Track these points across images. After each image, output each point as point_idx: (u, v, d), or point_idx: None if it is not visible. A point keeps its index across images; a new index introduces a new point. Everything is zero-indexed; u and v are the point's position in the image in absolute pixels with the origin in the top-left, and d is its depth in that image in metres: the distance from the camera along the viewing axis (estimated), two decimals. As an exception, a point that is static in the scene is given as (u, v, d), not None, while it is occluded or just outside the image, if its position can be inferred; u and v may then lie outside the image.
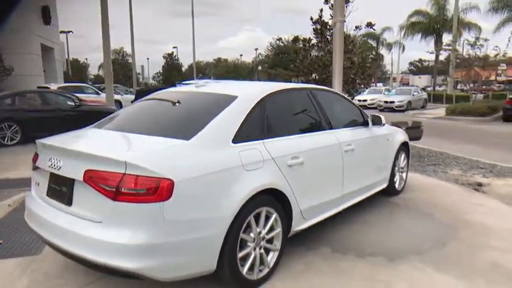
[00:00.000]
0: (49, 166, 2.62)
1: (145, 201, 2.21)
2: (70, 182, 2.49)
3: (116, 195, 2.23)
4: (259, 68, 61.01)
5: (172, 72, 49.90)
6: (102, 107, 11.87)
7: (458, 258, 3.33)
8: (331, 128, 3.75)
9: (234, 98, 3.00)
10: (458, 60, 19.53)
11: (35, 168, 2.94)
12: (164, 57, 52.17)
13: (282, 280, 2.94)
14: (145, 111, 3.41)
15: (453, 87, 28.62)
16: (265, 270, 2.88)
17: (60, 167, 2.53)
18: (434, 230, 3.99)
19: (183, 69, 57.80)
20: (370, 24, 11.39)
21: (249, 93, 3.16)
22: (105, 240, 2.23)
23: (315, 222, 3.43)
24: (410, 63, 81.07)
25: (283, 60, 50.57)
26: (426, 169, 6.83)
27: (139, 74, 53.12)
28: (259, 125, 3.02)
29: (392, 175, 4.88)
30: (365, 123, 4.35)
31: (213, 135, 2.67)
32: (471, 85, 19.50)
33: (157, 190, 2.21)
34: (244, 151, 2.75)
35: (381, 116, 4.48)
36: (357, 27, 10.96)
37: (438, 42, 29.82)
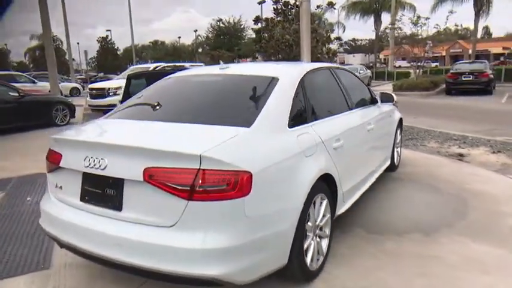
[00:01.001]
0: (86, 166, 2.23)
1: (225, 198, 1.95)
2: (118, 184, 2.14)
3: (191, 194, 1.94)
4: (200, 50, 59.59)
5: (108, 57, 46.94)
6: (50, 96, 10.79)
7: (484, 228, 3.45)
8: (352, 108, 3.66)
9: (275, 79, 2.77)
10: (402, 39, 20.46)
11: (54, 169, 2.50)
12: (98, 41, 48.80)
13: (336, 267, 2.83)
14: (176, 97, 3.05)
15: (388, 64, 30.06)
16: (321, 259, 2.76)
17: (105, 167, 2.15)
18: (448, 201, 4.11)
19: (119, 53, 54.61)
20: (331, 4, 11.45)
21: (289, 73, 2.94)
22: (184, 247, 1.94)
23: (351, 204, 3.36)
24: (345, 43, 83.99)
25: (225, 41, 49.81)
26: (407, 143, 7.08)
27: (73, 60, 49.34)
28: (304, 107, 2.83)
29: (393, 151, 4.95)
30: (375, 101, 4.32)
31: (271, 121, 2.44)
32: (412, 63, 20.61)
33: (237, 185, 1.96)
34: (301, 135, 2.57)
35: (393, 94, 4.48)
36: (318, 7, 10.94)
37: (378, 21, 31.09)
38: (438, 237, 3.28)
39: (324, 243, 2.82)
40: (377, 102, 4.34)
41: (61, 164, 2.42)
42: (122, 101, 4.34)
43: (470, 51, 50.78)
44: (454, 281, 2.65)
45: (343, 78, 3.70)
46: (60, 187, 2.48)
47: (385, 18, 31.77)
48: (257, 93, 2.67)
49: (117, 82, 13.30)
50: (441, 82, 18.67)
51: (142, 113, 2.87)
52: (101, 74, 38.58)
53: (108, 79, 18.87)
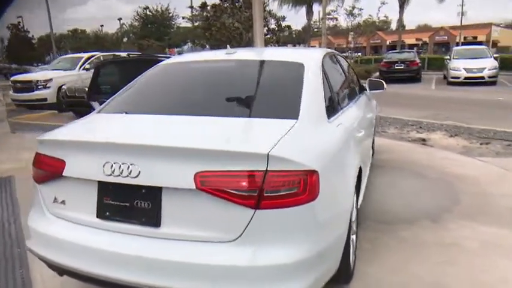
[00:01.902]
0: (107, 174, 1.78)
1: (296, 204, 1.67)
2: (155, 194, 1.74)
3: (259, 201, 1.62)
4: (125, 39, 56.30)
5: (23, 47, 42.27)
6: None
7: (482, 210, 3.55)
8: (356, 95, 3.53)
9: (301, 65, 2.50)
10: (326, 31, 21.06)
11: (51, 179, 2.00)
12: (8, 27, 43.60)
13: (365, 263, 2.69)
14: (197, 87, 2.64)
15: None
16: (353, 256, 2.59)
17: (137, 174, 1.73)
18: (436, 187, 4.19)
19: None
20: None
21: (311, 59, 2.67)
22: (250, 265, 1.63)
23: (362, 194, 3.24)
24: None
25: (153, 30, 47.59)
26: (370, 130, 7.23)
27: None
28: (330, 96, 2.60)
29: (373, 139, 4.96)
30: (363, 88, 4.25)
31: (313, 112, 2.17)
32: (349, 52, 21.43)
33: (306, 187, 1.69)
34: (339, 126, 2.35)
35: (382, 81, 4.43)
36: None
37: (310, 12, 31.78)
38: (445, 224, 3.29)
39: (354, 239, 2.66)
40: (365, 89, 4.27)
41: (65, 173, 1.92)
42: (90, 93, 3.76)
43: (388, 42, 54.60)
44: (480, 267, 2.64)
45: (343, 65, 3.54)
46: (62, 202, 1.98)
47: (318, 8, 32.70)
48: (288, 81, 2.39)
49: (47, 74, 11.95)
50: (373, 71, 19.63)
51: (161, 106, 2.44)
52: (14, 66, 34.60)
53: (27, 72, 16.92)
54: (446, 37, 53.24)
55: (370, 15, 18.98)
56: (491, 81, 14.78)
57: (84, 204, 1.91)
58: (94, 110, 3.88)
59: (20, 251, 2.96)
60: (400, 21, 27.90)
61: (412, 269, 2.63)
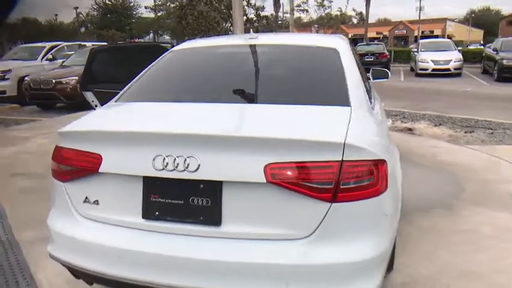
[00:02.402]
0: (159, 169, 1.59)
1: (370, 196, 1.56)
2: (214, 189, 1.58)
3: (335, 193, 1.50)
4: (82, 29, 53.76)
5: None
6: None
7: (488, 196, 3.63)
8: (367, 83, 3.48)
9: (336, 51, 2.39)
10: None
11: (81, 176, 1.77)
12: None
13: (397, 254, 2.65)
14: (233, 74, 2.46)
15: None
16: None
17: (197, 168, 1.55)
18: (435, 175, 4.25)
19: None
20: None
21: (342, 45, 2.56)
22: (325, 263, 1.51)
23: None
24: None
25: (113, 20, 45.76)
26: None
27: None
28: (364, 83, 2.51)
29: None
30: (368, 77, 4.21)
31: (360, 99, 2.06)
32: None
33: (379, 177, 1.58)
34: (378, 114, 2.27)
35: (387, 70, 4.41)
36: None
37: (277, 4, 31.76)
38: (458, 211, 3.33)
39: None
40: (369, 79, 4.24)
41: (101, 169, 1.70)
42: (83, 82, 3.46)
43: (350, 35, 55.85)
44: (507, 252, 2.68)
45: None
46: (96, 201, 1.76)
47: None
48: (327, 66, 2.28)
49: (6, 64, 11.11)
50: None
51: (200, 94, 2.24)
52: None
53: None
54: (405, 31, 55.25)
55: (339, 8, 19.19)
56: (457, 73, 15.44)
57: (124, 203, 1.71)
58: (88, 101, 3.59)
59: None
60: (367, 14, 28.54)
61: (445, 257, 2.62)
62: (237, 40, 3.03)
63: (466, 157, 4.81)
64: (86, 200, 1.78)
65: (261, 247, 1.55)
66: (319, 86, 2.20)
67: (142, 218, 1.67)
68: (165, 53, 2.72)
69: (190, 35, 10.23)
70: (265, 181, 1.50)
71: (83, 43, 12.93)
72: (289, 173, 1.50)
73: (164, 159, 1.58)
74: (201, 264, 1.57)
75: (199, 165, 1.55)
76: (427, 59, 15.52)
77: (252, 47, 2.66)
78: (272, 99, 2.04)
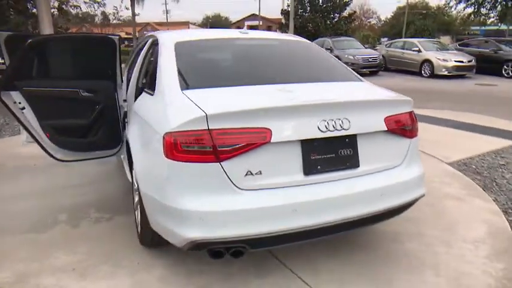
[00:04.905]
0: (323, 131, 2.09)
1: (416, 135, 2.54)
2: (353, 141, 2.23)
3: (412, 133, 2.45)
4: None
5: None
6: None
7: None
8: None
9: (310, 43, 3.40)
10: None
11: (245, 150, 1.97)
12: None
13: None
14: (257, 61, 2.94)
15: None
16: None
17: (349, 126, 2.15)
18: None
19: None
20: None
21: (303, 39, 3.51)
22: (410, 179, 2.40)
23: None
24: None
25: None
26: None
27: None
28: None
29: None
30: None
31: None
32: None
33: (414, 122, 2.58)
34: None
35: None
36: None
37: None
38: (463, 200, 3.53)
39: None
40: None
41: (274, 139, 1.99)
42: (8, 81, 2.90)
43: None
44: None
45: None
46: (259, 172, 2.01)
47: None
48: (318, 54, 3.19)
49: None
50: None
51: (257, 78, 2.60)
52: None
53: None
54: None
55: (115, 7, 18.57)
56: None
57: (285, 167, 2.06)
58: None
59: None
60: (133, 15, 28.66)
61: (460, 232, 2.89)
62: (239, 34, 3.28)
63: (445, 136, 5.74)
64: (248, 173, 1.99)
65: (381, 176, 2.31)
66: (330, 68, 3.01)
67: (304, 174, 2.09)
68: (169, 45, 2.70)
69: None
70: (386, 129, 2.28)
71: None
72: (395, 121, 2.34)
73: (327, 122, 2.09)
74: (352, 196, 2.18)
75: (350, 124, 2.16)
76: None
77: (260, 40, 3.32)
78: (316, 78, 2.76)
